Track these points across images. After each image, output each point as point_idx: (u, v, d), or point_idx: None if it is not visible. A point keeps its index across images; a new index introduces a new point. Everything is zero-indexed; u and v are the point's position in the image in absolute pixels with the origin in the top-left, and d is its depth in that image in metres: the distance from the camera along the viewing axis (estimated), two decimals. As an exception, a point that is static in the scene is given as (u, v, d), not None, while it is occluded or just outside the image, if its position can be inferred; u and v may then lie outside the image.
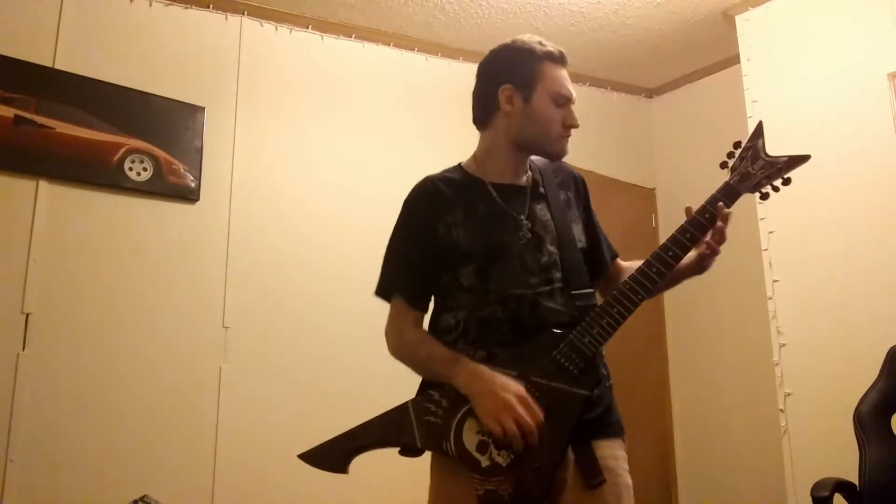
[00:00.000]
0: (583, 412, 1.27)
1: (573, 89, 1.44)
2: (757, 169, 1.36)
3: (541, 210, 1.43)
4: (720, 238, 1.34)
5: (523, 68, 1.41)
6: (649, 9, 3.30)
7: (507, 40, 1.47)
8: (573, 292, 1.36)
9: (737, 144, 1.40)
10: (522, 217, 1.40)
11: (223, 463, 2.72)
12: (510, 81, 1.41)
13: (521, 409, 1.21)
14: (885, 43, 2.75)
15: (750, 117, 3.15)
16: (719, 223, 1.33)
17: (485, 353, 1.32)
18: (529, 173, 1.49)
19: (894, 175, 2.66)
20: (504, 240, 1.37)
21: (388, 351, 1.42)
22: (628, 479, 1.35)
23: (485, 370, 1.27)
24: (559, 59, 1.43)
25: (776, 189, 1.38)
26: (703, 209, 1.34)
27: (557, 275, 1.37)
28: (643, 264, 1.33)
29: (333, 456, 1.29)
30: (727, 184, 1.37)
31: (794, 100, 3.01)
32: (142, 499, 2.36)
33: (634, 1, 3.23)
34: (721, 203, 1.33)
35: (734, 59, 3.39)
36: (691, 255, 1.37)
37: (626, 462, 1.37)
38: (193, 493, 2.64)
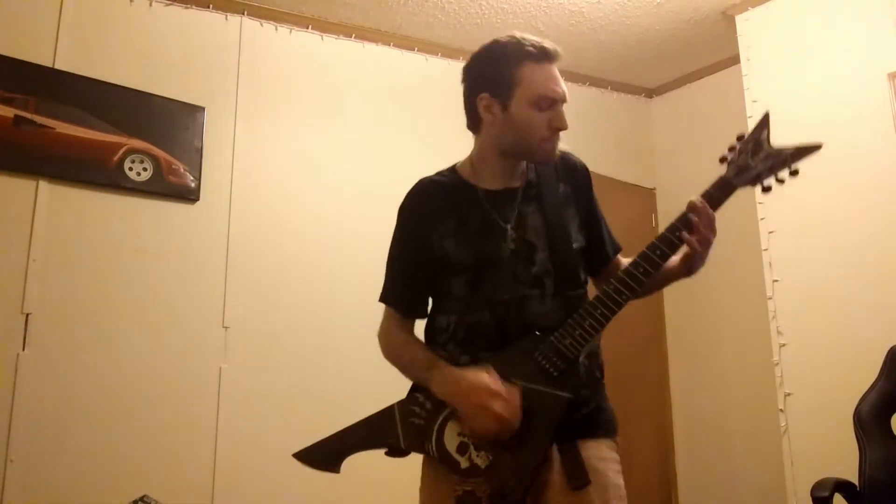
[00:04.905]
0: (564, 414, 1.26)
1: (563, 87, 1.33)
2: (758, 161, 1.27)
3: (532, 214, 1.37)
4: (701, 237, 1.26)
5: (498, 74, 1.32)
6: (649, 9, 3.30)
7: (488, 41, 1.37)
8: (565, 293, 1.34)
9: (740, 137, 1.31)
10: (509, 227, 1.36)
11: (223, 463, 2.71)
12: (486, 90, 1.34)
13: (496, 405, 1.22)
14: (885, 43, 2.75)
15: (750, 117, 3.15)
16: (695, 219, 1.25)
17: (468, 359, 1.32)
18: (525, 173, 1.43)
19: (894, 175, 2.66)
20: (494, 252, 1.34)
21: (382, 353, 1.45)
22: (618, 480, 1.31)
23: (456, 373, 1.28)
24: (541, 57, 1.32)
25: (780, 181, 1.28)
26: (692, 206, 1.27)
27: (549, 281, 1.34)
28: (630, 264, 1.28)
29: (325, 455, 1.31)
30: (721, 177, 1.29)
31: (794, 100, 3.01)
32: (142, 499, 2.36)
33: (634, 1, 3.23)
34: (697, 201, 1.26)
35: (734, 59, 3.38)
36: (678, 256, 1.32)
37: (616, 463, 1.33)
38: (193, 493, 2.64)
